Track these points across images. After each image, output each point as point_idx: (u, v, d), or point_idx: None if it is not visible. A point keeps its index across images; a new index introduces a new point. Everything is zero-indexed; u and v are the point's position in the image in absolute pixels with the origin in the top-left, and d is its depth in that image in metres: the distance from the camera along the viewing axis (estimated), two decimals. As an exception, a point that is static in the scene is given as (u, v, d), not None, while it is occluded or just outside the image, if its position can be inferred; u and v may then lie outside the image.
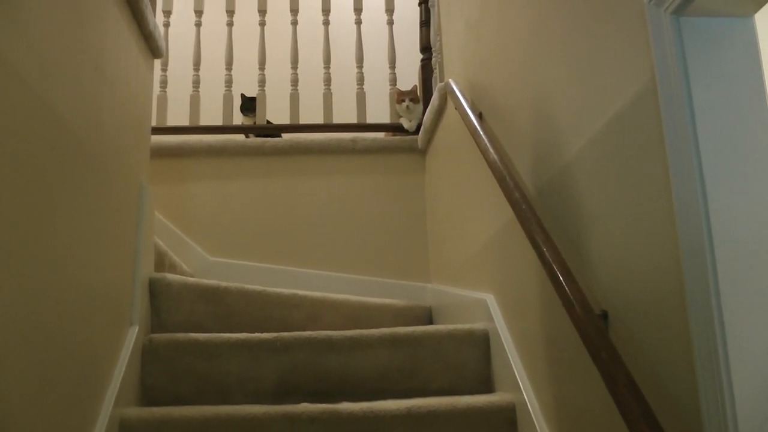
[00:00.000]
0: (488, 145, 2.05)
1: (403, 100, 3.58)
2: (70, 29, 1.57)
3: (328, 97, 3.63)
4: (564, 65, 1.60)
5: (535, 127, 1.82)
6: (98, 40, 1.78)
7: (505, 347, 1.96)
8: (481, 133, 2.15)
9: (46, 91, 1.42)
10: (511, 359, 1.91)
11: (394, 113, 3.66)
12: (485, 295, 2.23)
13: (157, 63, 3.62)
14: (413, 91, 3.62)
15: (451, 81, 2.77)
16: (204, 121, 3.63)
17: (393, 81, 3.72)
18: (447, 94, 2.89)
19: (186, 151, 3.49)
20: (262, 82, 3.67)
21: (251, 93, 3.87)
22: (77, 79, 1.61)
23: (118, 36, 1.97)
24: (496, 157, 1.97)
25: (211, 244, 3.38)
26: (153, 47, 2.38)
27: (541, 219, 1.68)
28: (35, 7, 1.37)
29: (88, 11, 1.70)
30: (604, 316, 1.35)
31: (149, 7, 2.24)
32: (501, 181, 1.88)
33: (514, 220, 1.87)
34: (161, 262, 2.67)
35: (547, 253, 1.53)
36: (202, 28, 3.79)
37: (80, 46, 1.64)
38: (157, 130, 3.42)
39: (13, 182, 1.25)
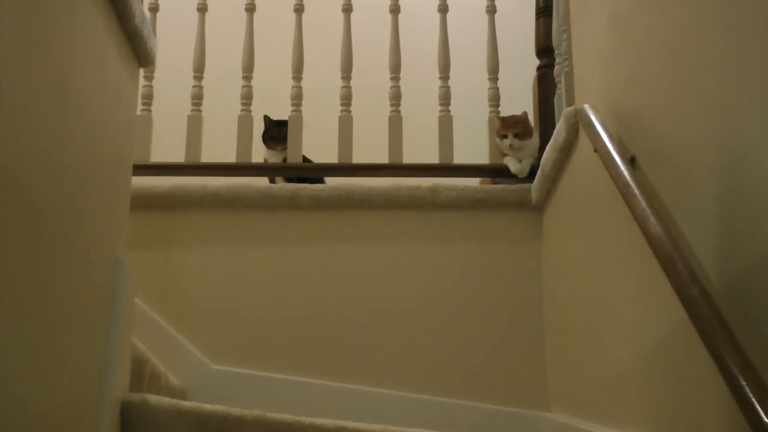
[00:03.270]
0: (647, 209, 2.04)
1: (505, 136, 3.65)
2: (26, 39, 1.62)
3: (395, 123, 3.70)
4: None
5: (726, 186, 1.81)
6: (65, 50, 1.83)
7: None
8: (635, 189, 2.15)
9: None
10: None
11: (495, 149, 3.74)
12: (641, 439, 2.19)
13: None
14: (522, 119, 3.69)
15: (586, 107, 2.80)
16: (208, 156, 3.73)
17: (494, 100, 3.77)
18: (579, 124, 2.92)
19: (180, 200, 3.58)
20: (297, 99, 3.76)
21: (280, 114, 3.93)
22: (31, 112, 1.65)
23: (93, 39, 2.03)
24: (659, 229, 1.96)
25: (215, 344, 3.42)
26: (139, 50, 2.43)
27: (732, 329, 1.63)
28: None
29: (52, 10, 1.76)
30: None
31: (135, -8, 2.30)
32: (668, 266, 1.86)
33: (688, 325, 1.80)
34: (140, 372, 2.69)
35: (742, 382, 1.49)
36: (207, 15, 3.90)
37: (38, 63, 1.68)
38: (138, 169, 3.47)
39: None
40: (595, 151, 2.55)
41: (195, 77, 3.80)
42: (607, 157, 2.41)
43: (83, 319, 1.98)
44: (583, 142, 2.87)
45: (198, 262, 3.52)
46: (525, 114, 3.69)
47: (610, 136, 2.50)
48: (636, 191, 2.15)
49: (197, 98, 3.77)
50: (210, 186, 3.59)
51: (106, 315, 2.16)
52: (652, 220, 2.02)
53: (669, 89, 2.17)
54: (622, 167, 2.29)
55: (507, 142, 3.62)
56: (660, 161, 2.22)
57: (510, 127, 3.63)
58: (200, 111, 3.75)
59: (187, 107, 3.78)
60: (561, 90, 3.40)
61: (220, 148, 3.75)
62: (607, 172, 2.40)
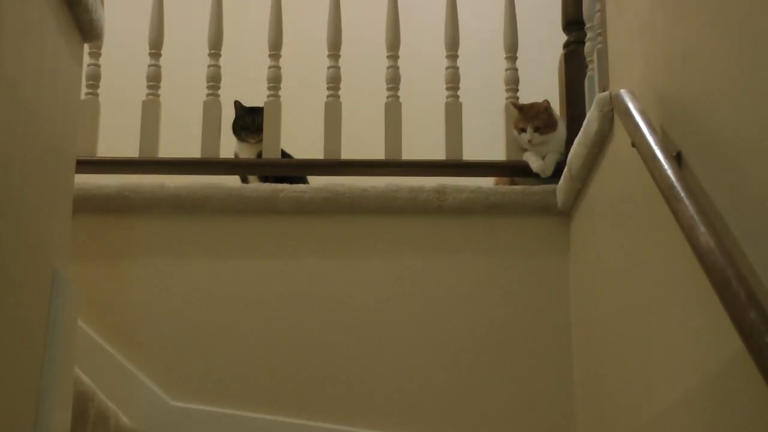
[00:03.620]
0: (696, 216, 2.03)
1: (524, 129, 3.65)
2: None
3: (393, 110, 3.71)
4: None
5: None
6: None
7: None
8: (682, 192, 2.14)
9: None
10: None
11: (513, 142, 3.74)
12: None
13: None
14: (544, 109, 3.69)
15: (623, 92, 2.79)
16: (167, 150, 3.72)
17: (512, 84, 3.77)
18: (615, 113, 2.91)
19: (133, 203, 3.59)
20: (274, 81, 3.76)
21: (254, 100, 3.94)
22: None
23: (22, 5, 2.00)
24: (711, 241, 1.94)
25: (174, 377, 3.41)
26: (83, 21, 2.40)
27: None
28: None
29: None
30: None
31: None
32: (721, 286, 1.84)
33: (746, 356, 1.77)
34: (83, 412, 2.67)
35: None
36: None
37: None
38: (82, 166, 3.44)
39: None
40: (634, 145, 2.53)
41: (151, 54, 3.78)
42: (648, 152, 2.38)
43: (12, 348, 1.96)
44: (620, 134, 2.86)
45: (154, 278, 3.52)
46: (546, 103, 3.69)
47: (652, 128, 2.48)
48: (683, 194, 2.14)
49: (154, 80, 3.76)
50: (169, 186, 3.59)
51: (41, 343, 2.14)
52: (702, 229, 2.00)
53: (728, 72, 2.13)
54: (667, 165, 2.27)
55: (525, 136, 3.64)
56: (712, 158, 2.20)
57: (529, 119, 3.64)
58: (158, 95, 3.75)
59: (141, 91, 3.76)
60: (593, 71, 3.38)
61: (181, 141, 3.74)
62: (647, 171, 2.38)
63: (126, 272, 3.50)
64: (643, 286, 2.67)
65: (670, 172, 2.25)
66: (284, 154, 3.81)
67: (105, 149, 3.71)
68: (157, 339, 3.45)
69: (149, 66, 3.77)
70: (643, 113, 2.59)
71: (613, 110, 2.93)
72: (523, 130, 3.64)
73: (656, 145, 2.39)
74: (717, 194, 2.15)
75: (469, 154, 3.75)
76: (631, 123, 2.59)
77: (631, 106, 2.66)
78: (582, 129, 3.23)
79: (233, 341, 3.46)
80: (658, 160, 2.32)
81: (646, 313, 2.64)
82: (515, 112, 3.70)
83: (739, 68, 2.07)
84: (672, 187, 2.19)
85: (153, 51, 3.78)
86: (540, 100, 3.72)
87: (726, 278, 1.84)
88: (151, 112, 3.72)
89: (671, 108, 2.52)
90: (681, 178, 2.21)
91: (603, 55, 3.25)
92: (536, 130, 3.62)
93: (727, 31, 2.16)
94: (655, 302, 2.56)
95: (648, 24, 2.75)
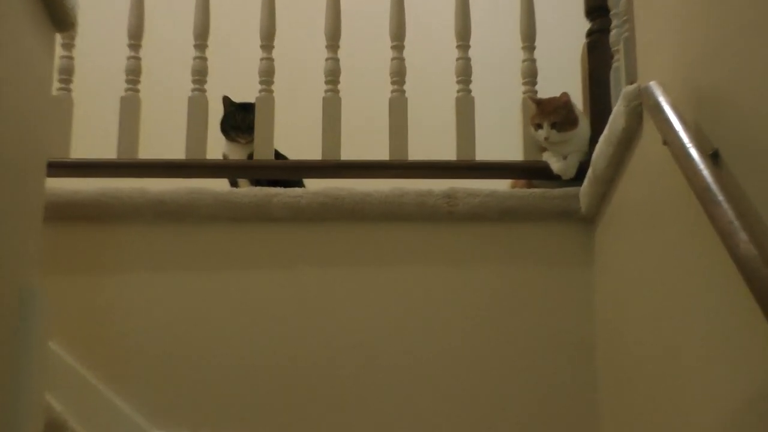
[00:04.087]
0: (735, 222, 2.01)
1: (539, 125, 3.65)
2: None
3: (398, 106, 3.70)
4: None
5: None
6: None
7: None
8: (719, 195, 2.12)
9: None
10: None
11: (531, 141, 3.74)
12: None
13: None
14: (563, 104, 3.68)
15: (653, 84, 2.78)
16: (149, 150, 3.72)
17: (530, 76, 3.80)
18: (644, 108, 2.90)
19: (111, 210, 3.56)
20: (267, 75, 3.76)
21: (245, 96, 3.93)
22: None
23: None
24: (752, 248, 1.92)
25: (156, 403, 3.39)
26: (55, 8, 2.41)
27: None
28: None
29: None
30: None
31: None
32: (763, 298, 1.83)
33: None
34: (56, 442, 2.66)
35: None
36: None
37: None
38: (55, 169, 3.42)
39: None
40: (665, 143, 2.52)
41: (131, 46, 3.78)
42: (681, 151, 2.37)
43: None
44: (649, 131, 2.85)
45: (135, 294, 3.51)
46: (566, 96, 3.68)
47: (686, 124, 2.46)
48: (720, 197, 2.12)
49: (134, 74, 3.75)
50: (151, 191, 3.58)
51: (9, 365, 2.13)
52: (743, 236, 1.98)
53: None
54: (702, 165, 2.25)
55: (542, 133, 3.63)
56: (753, 158, 2.16)
57: (546, 115, 3.63)
58: (137, 90, 3.74)
59: (120, 86, 3.75)
60: (619, 62, 3.36)
61: (164, 141, 3.70)
62: (681, 171, 2.36)
63: (103, 287, 3.49)
64: (677, 299, 2.65)
65: (705, 172, 2.22)
66: (278, 155, 3.78)
67: (80, 150, 3.70)
68: (138, 361, 3.44)
69: (128, 58, 3.76)
70: (675, 108, 2.57)
71: (642, 105, 2.91)
72: (540, 126, 3.64)
73: (690, 143, 2.37)
74: (758, 197, 2.11)
75: (483, 154, 3.73)
76: (662, 119, 2.58)
77: (661, 100, 2.65)
78: (607, 126, 3.22)
79: (223, 362, 3.45)
80: (693, 160, 2.30)
81: (680, 328, 2.63)
82: (533, 107, 3.69)
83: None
84: (708, 189, 2.17)
85: (132, 42, 3.77)
86: (558, 93, 3.71)
87: (768, 290, 1.84)
88: (130, 109, 3.71)
89: (706, 102, 2.49)
90: (718, 179, 2.19)
91: (630, 44, 3.24)
92: (553, 126, 3.61)
93: (769, 16, 2.16)
94: (690, 316, 2.55)
95: (680, 10, 2.74)
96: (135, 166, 3.67)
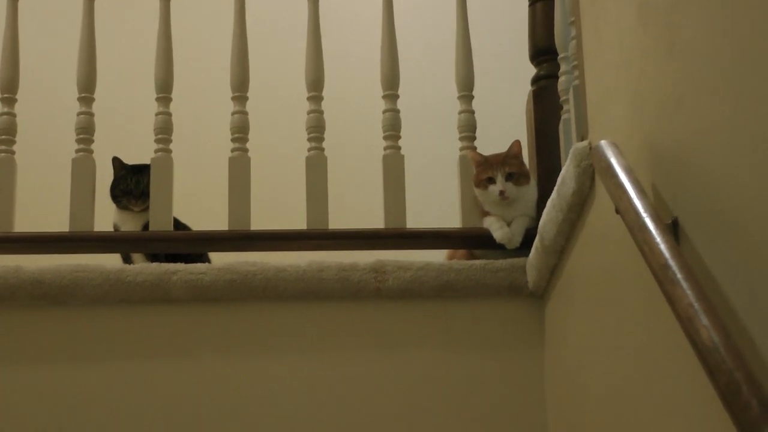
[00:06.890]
0: (696, 305, 1.96)
1: (490, 178, 3.54)
2: None
3: (317, 164, 3.69)
4: None
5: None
6: None
7: None
8: (678, 274, 2.06)
9: None
10: None
11: (470, 206, 3.70)
12: None
13: None
14: (515, 153, 3.63)
15: (604, 144, 2.72)
16: (24, 222, 3.63)
17: (468, 129, 3.76)
18: (595, 169, 2.86)
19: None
20: (164, 131, 3.69)
21: (138, 156, 3.89)
22: None
23: None
24: (715, 336, 1.87)
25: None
26: None
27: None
28: None
29: None
30: None
31: None
32: (728, 393, 1.77)
33: None
34: None
35: None
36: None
37: None
38: None
39: None
40: (618, 212, 2.47)
41: (3, 100, 3.64)
42: (635, 222, 2.32)
43: None
44: (603, 194, 2.80)
45: (6, 392, 3.36)
46: (518, 145, 3.63)
47: (640, 190, 2.41)
48: (679, 276, 2.07)
49: (8, 132, 3.62)
50: (27, 270, 3.44)
51: None
52: (704, 321, 1.93)
53: (737, 119, 2.07)
54: (659, 239, 2.20)
55: (494, 189, 3.52)
56: (718, 228, 2.16)
57: (499, 167, 3.54)
58: (12, 151, 3.63)
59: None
60: (569, 113, 3.35)
61: (43, 210, 3.72)
62: (635, 243, 2.32)
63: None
64: (634, 386, 2.67)
65: (663, 246, 2.19)
66: (178, 225, 3.75)
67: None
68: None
69: (0, 114, 3.63)
70: (628, 171, 2.55)
71: (594, 166, 2.89)
72: (491, 181, 3.55)
73: (646, 212, 2.33)
74: (723, 274, 2.13)
75: (415, 221, 3.70)
76: (614, 184, 2.54)
77: (614, 161, 2.61)
78: (556, 188, 3.20)
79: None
80: (649, 232, 2.26)
81: (639, 420, 2.64)
82: (475, 162, 3.62)
83: (751, 114, 2.03)
84: (666, 266, 2.13)
85: (5, 95, 3.66)
86: (503, 150, 3.65)
87: (734, 383, 1.79)
88: (3, 173, 3.61)
89: (665, 162, 2.50)
90: (677, 254, 2.16)
91: (580, 93, 3.23)
92: (508, 178, 3.53)
93: (733, 67, 2.12)
94: (647, 404, 2.56)
95: (635, 59, 2.74)
96: (7, 241, 3.56)
